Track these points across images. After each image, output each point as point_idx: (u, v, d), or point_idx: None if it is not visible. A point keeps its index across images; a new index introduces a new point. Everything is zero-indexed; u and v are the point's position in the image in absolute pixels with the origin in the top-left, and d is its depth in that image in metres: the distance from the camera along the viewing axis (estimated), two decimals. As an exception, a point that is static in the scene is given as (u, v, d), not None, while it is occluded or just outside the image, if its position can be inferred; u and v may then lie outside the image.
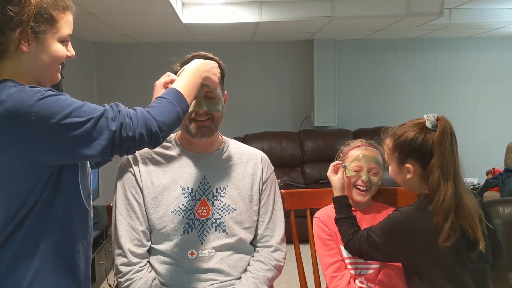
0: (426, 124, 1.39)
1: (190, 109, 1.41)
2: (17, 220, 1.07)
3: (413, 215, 1.37)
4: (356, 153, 1.67)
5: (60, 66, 1.17)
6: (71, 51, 1.17)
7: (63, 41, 1.13)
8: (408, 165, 1.42)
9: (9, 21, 1.03)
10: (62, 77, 1.26)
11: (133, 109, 1.14)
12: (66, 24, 1.13)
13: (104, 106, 1.10)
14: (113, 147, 1.08)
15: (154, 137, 1.13)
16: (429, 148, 1.37)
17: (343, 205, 1.60)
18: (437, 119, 1.39)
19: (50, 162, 1.06)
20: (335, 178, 1.65)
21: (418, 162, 1.40)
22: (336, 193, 1.64)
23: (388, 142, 1.48)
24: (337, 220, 1.59)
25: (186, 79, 1.29)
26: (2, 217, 1.07)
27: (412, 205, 1.41)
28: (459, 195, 1.35)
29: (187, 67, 1.34)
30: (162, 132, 1.14)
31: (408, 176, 1.43)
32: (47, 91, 1.03)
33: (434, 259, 1.34)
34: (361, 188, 1.65)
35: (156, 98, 1.21)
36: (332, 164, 1.69)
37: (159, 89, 1.38)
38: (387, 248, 1.41)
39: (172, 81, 1.40)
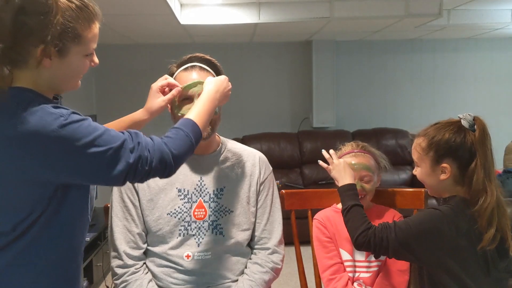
0: (463, 124, 1.35)
1: (185, 112, 1.39)
2: (21, 229, 1.04)
3: (449, 215, 1.31)
4: (346, 161, 1.60)
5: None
6: (94, 61, 1.14)
7: (87, 55, 1.10)
8: (444, 165, 1.36)
9: (30, 37, 0.99)
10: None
11: (151, 139, 1.12)
12: (93, 39, 1.09)
13: (124, 134, 1.08)
14: (127, 177, 1.07)
15: (167, 169, 1.13)
16: (468, 148, 1.33)
17: (354, 193, 1.49)
18: (474, 118, 1.35)
19: (60, 181, 1.05)
20: (339, 161, 1.56)
21: (455, 162, 1.35)
22: (347, 179, 1.52)
23: (421, 142, 1.41)
24: (352, 206, 1.44)
25: (204, 108, 1.27)
26: (6, 224, 1.04)
27: (448, 205, 1.34)
28: (498, 197, 1.31)
29: (210, 89, 1.32)
30: (176, 164, 1.14)
31: (443, 177, 1.37)
32: (70, 114, 1.01)
33: (459, 265, 1.29)
34: None
35: (173, 128, 1.19)
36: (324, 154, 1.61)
37: (155, 92, 1.37)
38: (415, 242, 1.31)
39: (169, 85, 1.39)
